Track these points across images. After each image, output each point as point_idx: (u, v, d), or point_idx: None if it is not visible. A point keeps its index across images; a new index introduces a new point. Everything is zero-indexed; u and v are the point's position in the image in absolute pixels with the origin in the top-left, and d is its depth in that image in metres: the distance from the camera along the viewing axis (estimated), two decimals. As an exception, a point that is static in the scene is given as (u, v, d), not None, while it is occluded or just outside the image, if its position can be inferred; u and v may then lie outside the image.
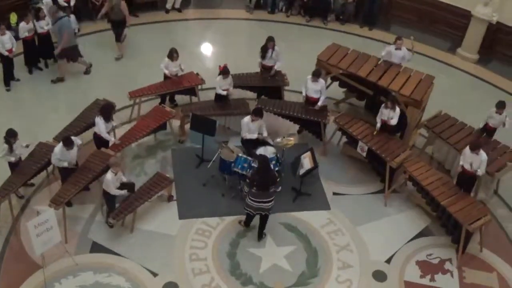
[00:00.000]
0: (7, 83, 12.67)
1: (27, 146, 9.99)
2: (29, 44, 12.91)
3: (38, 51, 13.23)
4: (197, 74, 12.27)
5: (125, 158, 10.97)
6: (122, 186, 9.54)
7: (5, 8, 14.02)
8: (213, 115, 11.20)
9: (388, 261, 9.81)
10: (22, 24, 12.56)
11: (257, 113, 10.50)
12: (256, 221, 9.79)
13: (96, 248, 9.56)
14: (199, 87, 12.21)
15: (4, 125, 10.05)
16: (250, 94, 12.56)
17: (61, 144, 9.51)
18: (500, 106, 10.89)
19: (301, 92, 11.69)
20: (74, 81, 13.19)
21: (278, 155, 10.58)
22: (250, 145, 10.71)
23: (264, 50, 12.19)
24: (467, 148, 9.99)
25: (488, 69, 15.04)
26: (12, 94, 12.61)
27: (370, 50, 12.67)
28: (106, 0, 13.88)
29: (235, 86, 11.87)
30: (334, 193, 10.93)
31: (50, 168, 10.43)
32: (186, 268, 9.37)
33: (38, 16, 12.81)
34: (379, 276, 9.57)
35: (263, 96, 12.38)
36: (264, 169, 9.26)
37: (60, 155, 9.54)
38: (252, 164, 9.99)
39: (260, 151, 10.47)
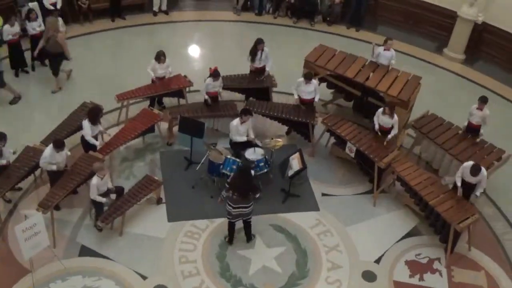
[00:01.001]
0: None
1: (14, 152, 9.92)
2: (15, 47, 12.84)
3: (31, 52, 13.12)
4: (185, 76, 12.25)
5: (113, 161, 10.92)
6: (108, 191, 9.51)
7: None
8: (201, 117, 11.21)
9: (378, 261, 9.84)
10: (6, 27, 12.49)
11: (246, 113, 10.50)
12: (241, 223, 9.73)
13: (85, 251, 9.50)
14: (187, 89, 12.19)
15: (-10, 129, 9.97)
16: (238, 96, 12.56)
17: (50, 146, 9.45)
18: (482, 101, 10.89)
19: (289, 94, 11.70)
20: (60, 83, 13.11)
21: (266, 157, 10.60)
22: (238, 147, 10.72)
23: (253, 53, 12.19)
24: (468, 170, 9.79)
25: (475, 69, 15.16)
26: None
27: (357, 51, 12.73)
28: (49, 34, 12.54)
29: (223, 88, 11.87)
30: (323, 194, 10.95)
31: (37, 172, 10.36)
32: (175, 270, 9.34)
33: (29, 17, 12.76)
34: (369, 276, 9.59)
35: (251, 98, 12.38)
36: (245, 177, 9.16)
37: (50, 158, 9.48)
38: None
39: (249, 152, 10.49)
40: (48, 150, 9.47)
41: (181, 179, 10.86)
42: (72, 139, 10.73)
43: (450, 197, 9.95)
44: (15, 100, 12.33)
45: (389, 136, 10.87)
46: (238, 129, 10.56)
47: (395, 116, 10.81)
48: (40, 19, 13.04)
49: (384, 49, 12.15)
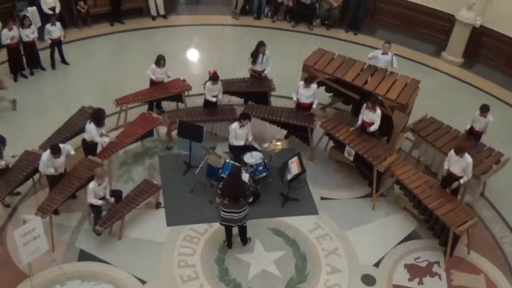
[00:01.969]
0: None
1: (13, 156, 9.92)
2: (14, 51, 12.85)
3: (25, 59, 13.16)
4: (184, 80, 12.25)
5: (112, 165, 10.91)
6: (105, 198, 9.50)
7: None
8: (200, 121, 11.20)
9: (377, 265, 9.83)
10: (5, 31, 12.50)
11: (245, 117, 10.51)
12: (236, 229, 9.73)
13: (84, 256, 9.49)
14: (186, 93, 12.20)
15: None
16: (237, 100, 12.56)
17: (48, 151, 9.45)
18: (484, 110, 10.95)
19: (288, 97, 11.70)
20: (59, 88, 13.14)
21: (265, 161, 10.60)
22: (237, 151, 10.72)
23: (255, 56, 12.20)
24: (452, 151, 10.05)
25: (473, 72, 15.19)
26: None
27: (356, 55, 12.73)
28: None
29: (223, 92, 11.88)
30: (322, 198, 10.95)
31: (36, 177, 10.34)
32: (174, 275, 9.33)
33: (23, 24, 12.76)
34: (368, 280, 9.58)
35: (250, 102, 12.39)
36: (233, 180, 9.12)
37: (48, 162, 9.48)
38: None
39: (247, 156, 10.49)
40: (46, 154, 9.46)
41: (180, 183, 10.85)
42: (70, 143, 10.68)
43: (449, 200, 9.94)
44: (14, 103, 12.27)
45: (371, 129, 10.91)
46: (237, 133, 10.56)
47: (378, 110, 10.82)
48: (33, 26, 13.03)
49: (382, 53, 12.17)
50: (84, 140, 10.33)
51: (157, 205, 10.40)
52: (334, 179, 11.40)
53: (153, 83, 12.04)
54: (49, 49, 13.49)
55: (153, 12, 16.12)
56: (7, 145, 9.77)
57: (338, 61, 12.23)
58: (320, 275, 9.55)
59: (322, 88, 12.43)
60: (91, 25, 15.44)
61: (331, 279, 9.51)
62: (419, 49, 15.72)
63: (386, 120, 11.16)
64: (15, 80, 13.14)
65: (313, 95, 11.52)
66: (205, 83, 11.66)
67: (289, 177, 10.38)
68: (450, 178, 10.17)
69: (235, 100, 12.55)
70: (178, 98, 12.20)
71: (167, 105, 12.59)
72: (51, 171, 9.55)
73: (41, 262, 9.01)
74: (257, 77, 12.36)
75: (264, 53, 12.18)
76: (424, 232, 10.39)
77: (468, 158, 9.94)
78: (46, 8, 13.89)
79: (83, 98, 12.25)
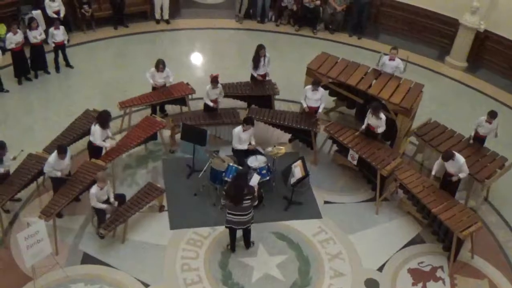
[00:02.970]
0: None
1: (14, 158, 9.92)
2: (19, 55, 12.88)
3: (31, 61, 13.19)
4: (187, 83, 12.27)
5: (116, 168, 10.92)
6: (108, 201, 9.51)
7: (-6, 20, 14.00)
8: (204, 125, 11.21)
9: (380, 269, 9.81)
10: (9, 35, 12.54)
11: (249, 122, 10.51)
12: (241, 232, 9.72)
13: (87, 259, 9.49)
14: (190, 96, 12.20)
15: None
16: (240, 104, 12.57)
17: (55, 153, 9.47)
18: (492, 116, 10.90)
19: (291, 101, 11.69)
20: (63, 91, 13.16)
21: (269, 164, 10.59)
22: (241, 155, 10.72)
23: (256, 61, 12.20)
24: (440, 160, 10.09)
25: (477, 76, 15.17)
26: (0, 105, 12.55)
27: (360, 59, 12.75)
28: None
29: (225, 96, 11.88)
30: (326, 202, 10.93)
31: (40, 180, 10.36)
32: (178, 278, 9.33)
33: (30, 26, 12.79)
34: (371, 284, 9.56)
35: (253, 106, 12.39)
36: (236, 183, 9.09)
37: (54, 164, 9.49)
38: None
39: (252, 160, 10.49)
40: (53, 156, 9.48)
41: (183, 186, 10.86)
42: (74, 147, 10.75)
43: (453, 205, 9.93)
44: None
45: (378, 130, 10.90)
46: (240, 136, 10.56)
47: (382, 115, 10.78)
48: (41, 28, 13.07)
49: (389, 59, 12.16)
50: (90, 143, 10.34)
51: (161, 209, 10.40)
52: (338, 183, 11.39)
53: (153, 88, 12.04)
54: (53, 53, 13.52)
55: (157, 15, 16.15)
56: (10, 148, 9.76)
57: (342, 65, 12.24)
58: (324, 279, 9.54)
59: (326, 92, 12.43)
60: (95, 29, 15.47)
61: (334, 283, 9.49)
62: (423, 54, 15.70)
63: (389, 124, 11.15)
64: (19, 83, 13.17)
65: (320, 99, 11.51)
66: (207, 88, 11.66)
67: (292, 181, 10.38)
68: (449, 178, 10.19)
69: (239, 103, 12.54)
70: (181, 101, 12.21)
71: (170, 108, 12.61)
72: (57, 173, 9.56)
73: (45, 265, 9.02)
74: (262, 80, 12.35)
75: (264, 56, 12.18)
76: (428, 236, 10.37)
77: (460, 159, 9.96)
78: (50, 12, 13.93)
79: (87, 101, 12.28)
